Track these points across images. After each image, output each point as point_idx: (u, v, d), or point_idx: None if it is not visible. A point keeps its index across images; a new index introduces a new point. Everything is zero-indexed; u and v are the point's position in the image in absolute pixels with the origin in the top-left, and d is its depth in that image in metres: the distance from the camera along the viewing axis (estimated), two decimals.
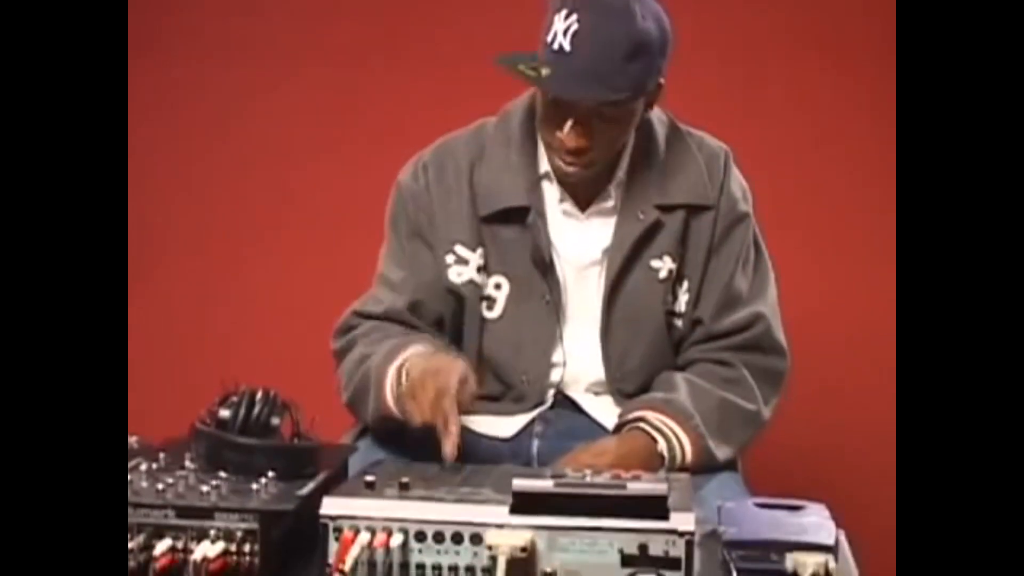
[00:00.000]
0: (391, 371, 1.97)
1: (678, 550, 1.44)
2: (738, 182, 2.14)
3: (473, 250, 2.09)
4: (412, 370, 1.92)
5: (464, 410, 1.84)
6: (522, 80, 1.94)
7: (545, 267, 2.07)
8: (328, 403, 2.01)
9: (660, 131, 2.11)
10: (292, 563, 1.53)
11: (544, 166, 2.09)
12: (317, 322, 2.19)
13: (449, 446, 1.77)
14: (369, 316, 2.12)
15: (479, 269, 2.09)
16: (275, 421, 1.67)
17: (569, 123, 1.96)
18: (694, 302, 2.10)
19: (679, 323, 2.11)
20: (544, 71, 1.92)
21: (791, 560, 1.52)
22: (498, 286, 2.10)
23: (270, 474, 1.60)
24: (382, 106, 3.07)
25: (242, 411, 1.66)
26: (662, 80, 2.01)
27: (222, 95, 3.14)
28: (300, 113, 3.12)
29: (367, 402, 2.02)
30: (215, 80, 3.14)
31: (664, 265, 2.08)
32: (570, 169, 2.01)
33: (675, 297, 2.10)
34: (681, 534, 1.44)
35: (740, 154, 2.16)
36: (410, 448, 1.93)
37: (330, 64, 3.11)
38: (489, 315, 2.10)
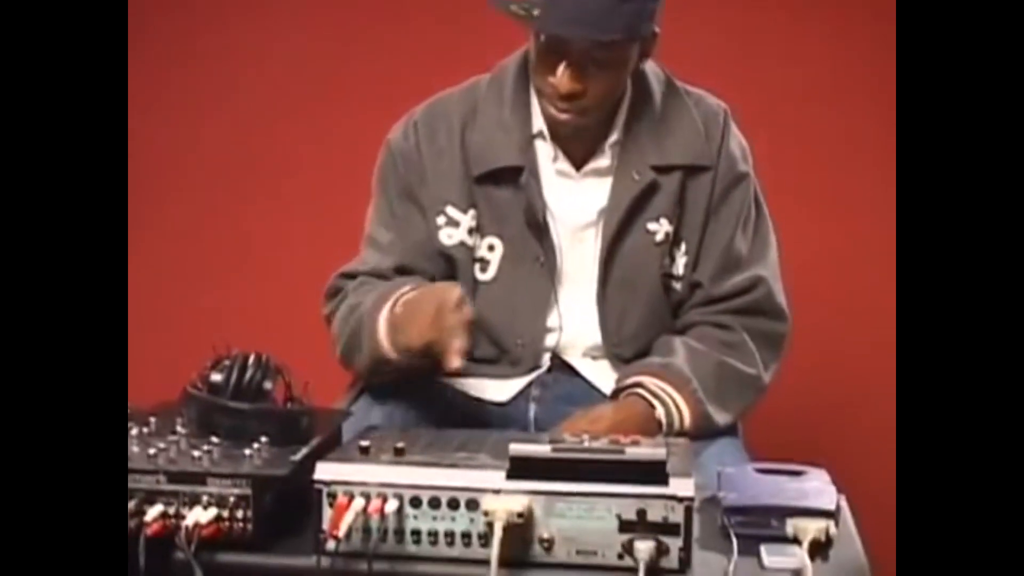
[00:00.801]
0: (384, 311, 1.99)
1: (677, 516, 1.47)
2: (737, 141, 2.15)
3: (464, 211, 2.11)
4: (405, 302, 1.95)
5: (463, 328, 1.88)
6: (513, 20, 1.95)
7: (539, 228, 2.09)
8: (322, 367, 2.02)
9: (657, 89, 2.13)
10: (285, 529, 1.55)
11: (538, 124, 2.10)
12: (310, 286, 2.21)
13: (454, 358, 1.83)
14: (355, 277, 2.14)
15: (470, 231, 2.11)
16: (268, 385, 1.69)
17: (562, 67, 1.97)
18: (693, 265, 2.12)
19: (677, 286, 2.13)
20: (536, 12, 1.94)
21: (791, 526, 1.55)
22: (491, 247, 2.12)
23: (263, 439, 1.62)
24: (375, 65, 3.07)
25: (234, 375, 1.68)
26: (657, 28, 2.03)
27: (217, 52, 3.14)
28: (292, 74, 3.12)
29: (360, 349, 2.03)
30: (210, 37, 3.14)
31: (661, 228, 2.10)
32: (563, 117, 2.02)
33: (672, 260, 2.12)
34: (680, 499, 1.47)
35: (740, 113, 2.18)
36: (405, 408, 1.96)
37: (322, 22, 3.11)
38: (482, 277, 2.12)
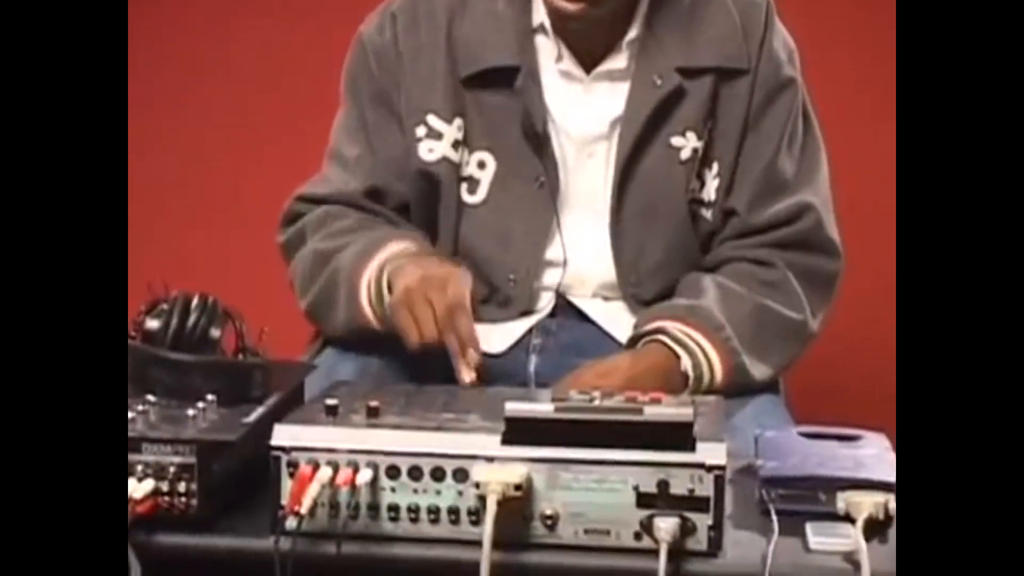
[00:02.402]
0: (368, 274, 2.01)
1: (706, 488, 1.47)
2: (782, 40, 2.15)
3: (449, 121, 2.11)
4: (398, 275, 1.96)
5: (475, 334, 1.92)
6: None
7: (538, 141, 2.09)
8: (280, 312, 2.02)
9: None
10: (237, 505, 1.56)
11: (539, 17, 2.10)
12: (266, 218, 2.22)
13: (467, 374, 1.87)
14: (316, 200, 2.15)
15: (455, 144, 2.11)
16: (215, 333, 1.69)
17: None
18: (726, 189, 2.13)
19: (707, 214, 2.13)
20: None
21: (843, 500, 1.55)
22: (482, 164, 2.12)
23: (209, 397, 1.62)
24: None
25: (175, 321, 1.68)
26: None
27: None
28: None
29: (335, 311, 2.06)
30: None
31: (687, 143, 2.10)
32: (569, 7, 2.01)
33: (702, 183, 2.12)
34: (709, 468, 1.47)
35: (786, 8, 2.17)
36: (380, 360, 1.97)
37: None
38: (470, 199, 2.13)
